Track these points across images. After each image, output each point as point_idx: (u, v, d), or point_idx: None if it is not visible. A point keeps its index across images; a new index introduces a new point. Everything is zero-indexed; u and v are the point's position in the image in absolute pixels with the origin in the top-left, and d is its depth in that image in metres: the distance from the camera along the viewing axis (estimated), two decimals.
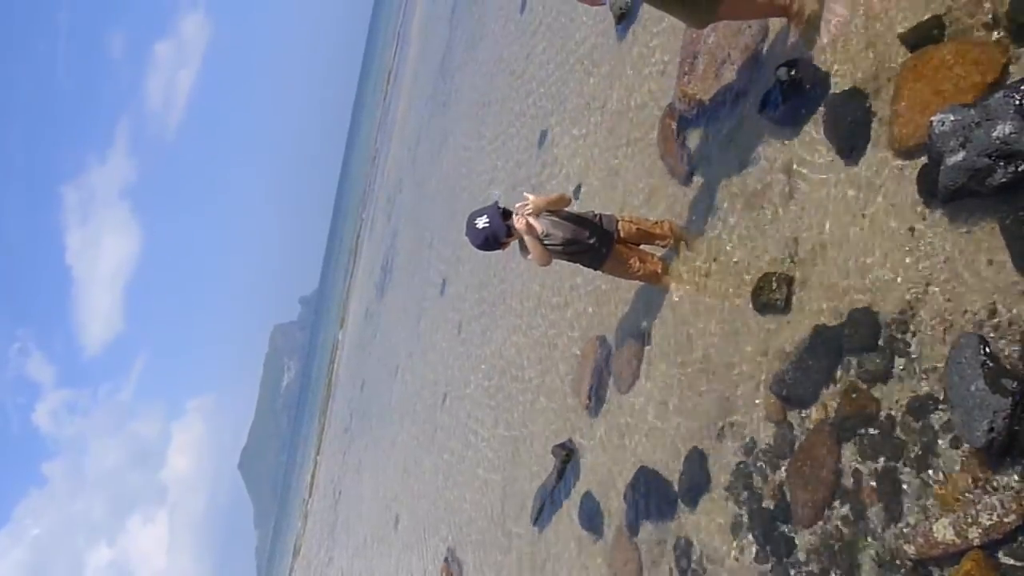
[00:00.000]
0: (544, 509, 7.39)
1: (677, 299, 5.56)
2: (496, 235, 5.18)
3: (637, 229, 5.50)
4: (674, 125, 6.07)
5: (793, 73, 4.54)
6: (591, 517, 6.34)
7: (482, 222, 5.15)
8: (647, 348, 5.96)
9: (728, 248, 5.06)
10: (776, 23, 4.98)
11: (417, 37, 38.57)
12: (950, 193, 3.26)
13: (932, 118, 3.25)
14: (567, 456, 7.03)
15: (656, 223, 5.64)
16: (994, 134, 3.01)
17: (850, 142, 4.08)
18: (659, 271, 5.55)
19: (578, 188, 8.40)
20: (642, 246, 5.67)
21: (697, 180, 5.65)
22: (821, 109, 4.37)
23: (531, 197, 5.13)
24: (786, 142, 4.64)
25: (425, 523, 12.30)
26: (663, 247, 5.68)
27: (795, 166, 4.53)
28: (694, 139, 5.82)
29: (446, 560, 10.25)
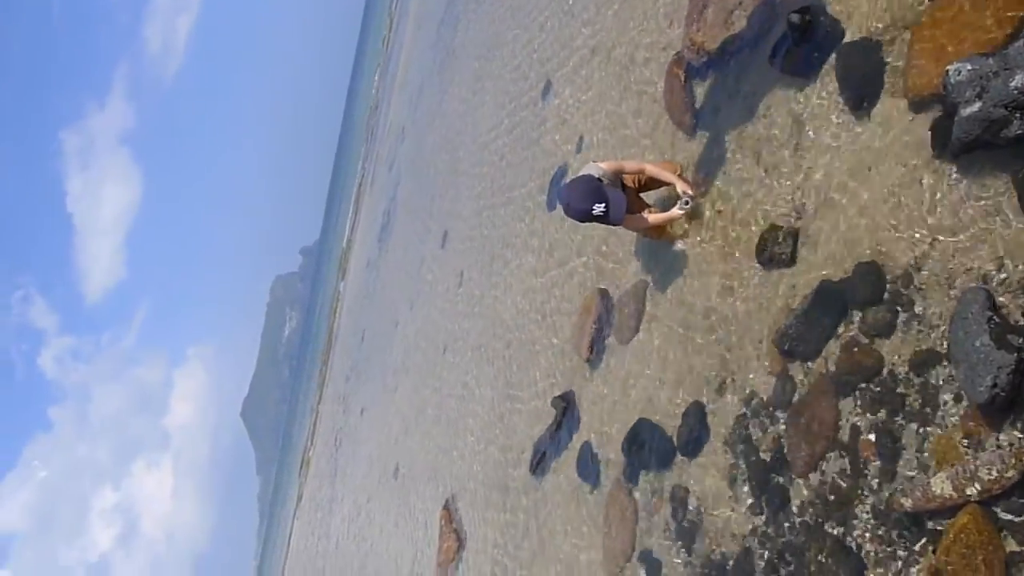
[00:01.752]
0: (543, 459, 7.46)
1: (680, 251, 5.52)
2: (619, 215, 5.04)
3: (647, 178, 5.42)
4: (682, 75, 5.94)
5: (806, 20, 4.42)
6: (589, 467, 6.40)
7: (599, 209, 4.95)
8: (648, 301, 5.94)
9: (734, 200, 5.00)
10: None
11: None
12: (963, 145, 3.19)
13: (948, 67, 3.17)
14: (566, 407, 7.07)
15: (665, 164, 5.56)
16: (1012, 84, 2.93)
17: (862, 92, 3.99)
18: (657, 222, 5.48)
19: (581, 140, 8.29)
20: (649, 194, 5.60)
21: (704, 131, 5.56)
22: (833, 58, 4.26)
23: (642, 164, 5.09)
24: (796, 92, 4.54)
25: (425, 471, 12.46)
26: (672, 193, 5.58)
27: (804, 117, 4.44)
28: (702, 89, 5.70)
29: (446, 507, 10.41)
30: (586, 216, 5.06)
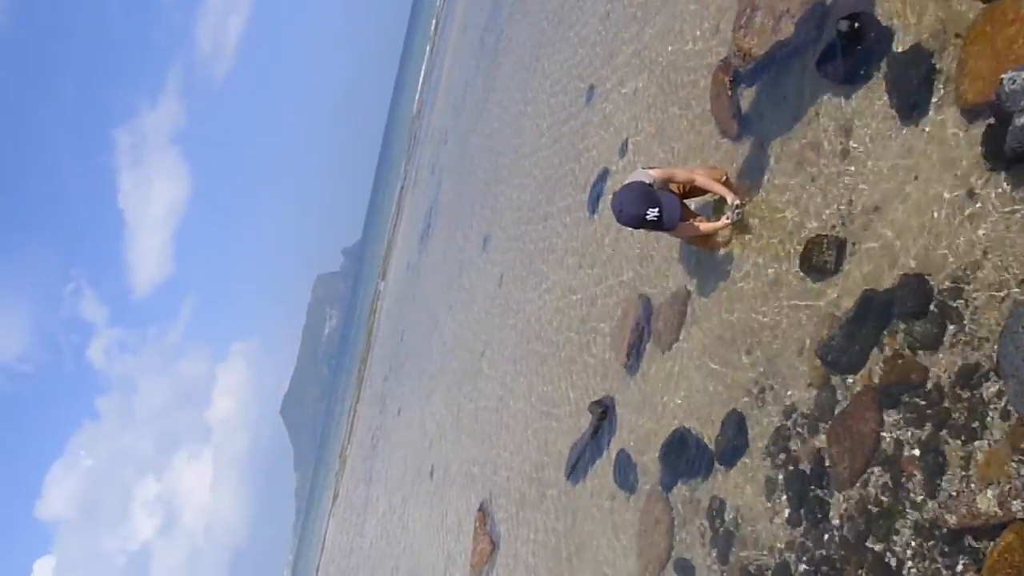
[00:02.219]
0: (578, 464, 7.46)
1: (722, 258, 5.48)
2: (673, 221, 5.05)
3: (691, 186, 5.41)
4: (727, 80, 5.91)
5: (855, 27, 4.37)
6: (625, 474, 6.38)
7: (653, 214, 4.95)
8: (689, 308, 5.91)
9: (778, 208, 4.96)
10: None
11: None
12: (1017, 155, 3.13)
13: (1003, 75, 3.12)
14: (603, 413, 7.05)
15: (711, 170, 5.54)
16: None
17: (912, 101, 3.93)
18: (707, 231, 5.45)
19: (625, 143, 8.28)
20: (692, 200, 5.58)
21: (749, 138, 5.52)
22: (883, 66, 4.21)
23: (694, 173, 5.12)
24: (844, 100, 4.49)
25: (461, 473, 12.53)
26: (714, 199, 5.55)
27: (852, 125, 4.39)
28: (748, 95, 5.66)
29: (480, 509, 10.46)
30: (640, 222, 5.04)
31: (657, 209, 4.93)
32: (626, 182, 5.18)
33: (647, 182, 5.07)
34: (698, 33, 6.88)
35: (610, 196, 5.41)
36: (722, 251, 5.50)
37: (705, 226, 5.38)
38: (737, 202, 5.18)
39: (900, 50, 4.10)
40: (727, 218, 5.22)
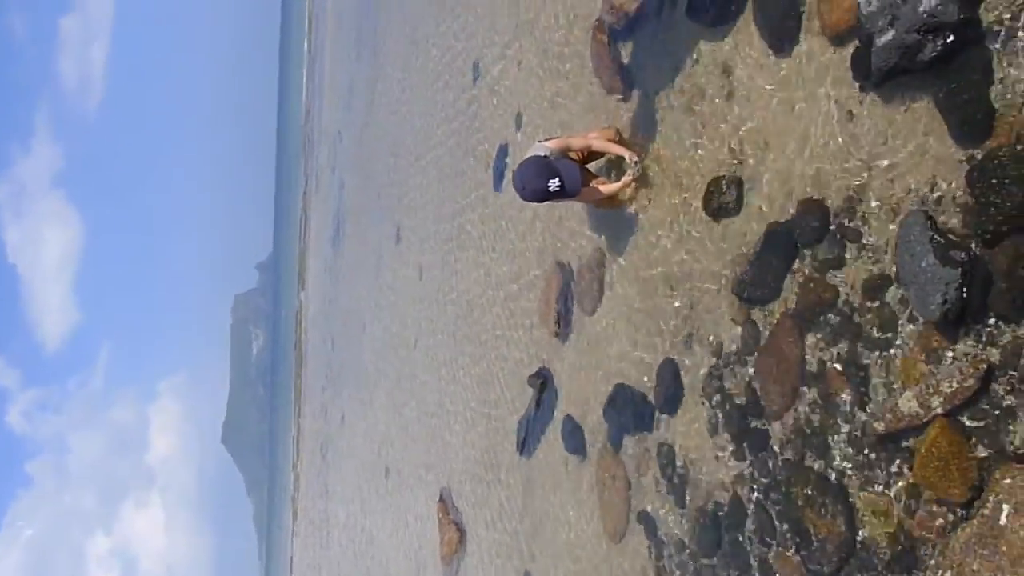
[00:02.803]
0: (528, 437, 7.53)
1: (630, 214, 5.57)
2: (575, 187, 5.06)
3: (589, 151, 5.46)
4: (605, 39, 5.96)
5: None
6: (574, 438, 6.48)
7: (555, 184, 4.96)
8: (607, 268, 6.00)
9: (675, 157, 5.06)
10: None
11: None
12: (883, 74, 3.27)
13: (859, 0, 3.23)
14: (543, 384, 7.13)
15: (604, 131, 5.61)
16: (920, 9, 3.01)
17: (781, 34, 4.05)
18: (611, 191, 5.52)
19: (519, 116, 8.28)
20: (591, 164, 5.64)
21: (636, 93, 5.60)
22: (750, 4, 4.32)
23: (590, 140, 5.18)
24: (719, 42, 4.59)
25: (414, 468, 12.48)
26: (617, 158, 5.61)
27: (730, 65, 4.50)
28: (627, 51, 5.73)
29: (440, 499, 10.46)
30: (543, 195, 5.09)
31: (558, 179, 4.97)
32: (523, 159, 5.19)
33: (543, 154, 5.10)
34: None
35: (512, 171, 5.42)
36: (629, 208, 5.59)
37: (608, 187, 5.45)
38: (635, 159, 5.26)
39: None
40: (628, 175, 5.30)
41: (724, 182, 4.50)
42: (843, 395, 3.65)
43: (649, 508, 5.30)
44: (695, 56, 4.84)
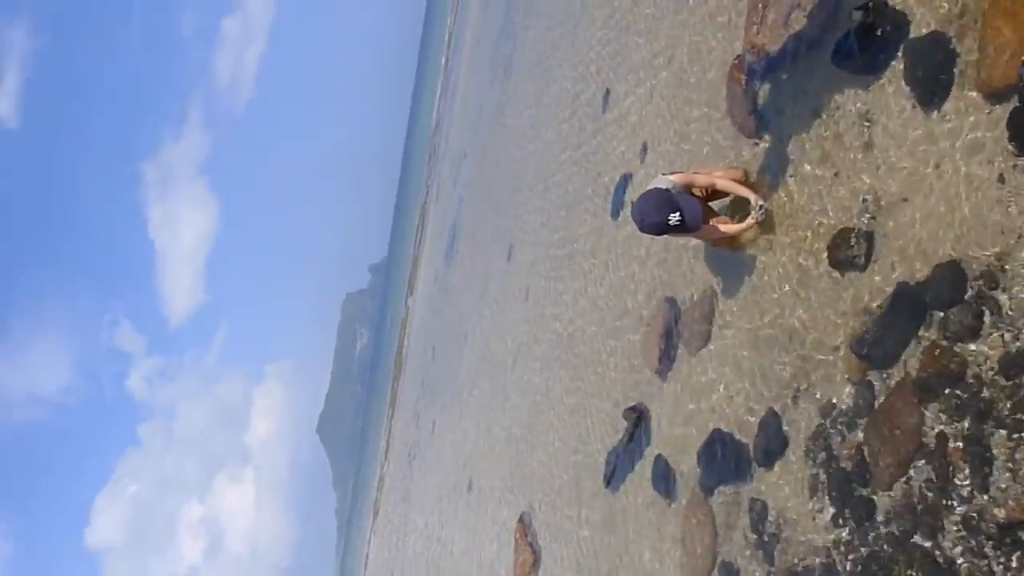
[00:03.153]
0: (616, 471, 7.41)
1: (749, 257, 5.43)
2: (695, 223, 5.04)
3: (712, 189, 5.38)
4: (743, 78, 5.87)
5: (869, 16, 4.32)
6: (664, 479, 6.33)
7: (675, 219, 4.94)
8: (718, 308, 5.86)
9: (803, 204, 4.90)
10: None
11: (477, 1, 38.24)
12: None
13: (1023, 57, 3.05)
14: (638, 419, 7.01)
15: (730, 170, 5.52)
16: None
17: (933, 87, 3.87)
18: (732, 232, 5.41)
19: (644, 147, 8.25)
20: (714, 203, 5.55)
21: (768, 135, 5.47)
22: (900, 54, 4.15)
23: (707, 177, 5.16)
24: (863, 90, 4.43)
25: (499, 485, 12.51)
26: (743, 198, 5.50)
27: (873, 115, 4.33)
28: (764, 92, 5.62)
29: (520, 520, 10.43)
30: (662, 228, 5.03)
31: (679, 213, 4.91)
32: (645, 190, 5.16)
33: (665, 187, 5.05)
34: (710, 31, 6.85)
35: (632, 201, 5.40)
36: (749, 251, 5.45)
37: (729, 227, 5.34)
38: (761, 202, 5.14)
39: (917, 36, 4.04)
40: (752, 218, 5.18)
41: (854, 235, 4.32)
42: (962, 474, 3.40)
43: (734, 561, 5.10)
44: (835, 103, 4.68)
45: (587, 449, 8.47)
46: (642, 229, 5.17)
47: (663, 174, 5.30)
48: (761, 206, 5.13)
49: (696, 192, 5.31)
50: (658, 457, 6.50)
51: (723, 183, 5.30)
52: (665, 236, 5.45)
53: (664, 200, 4.97)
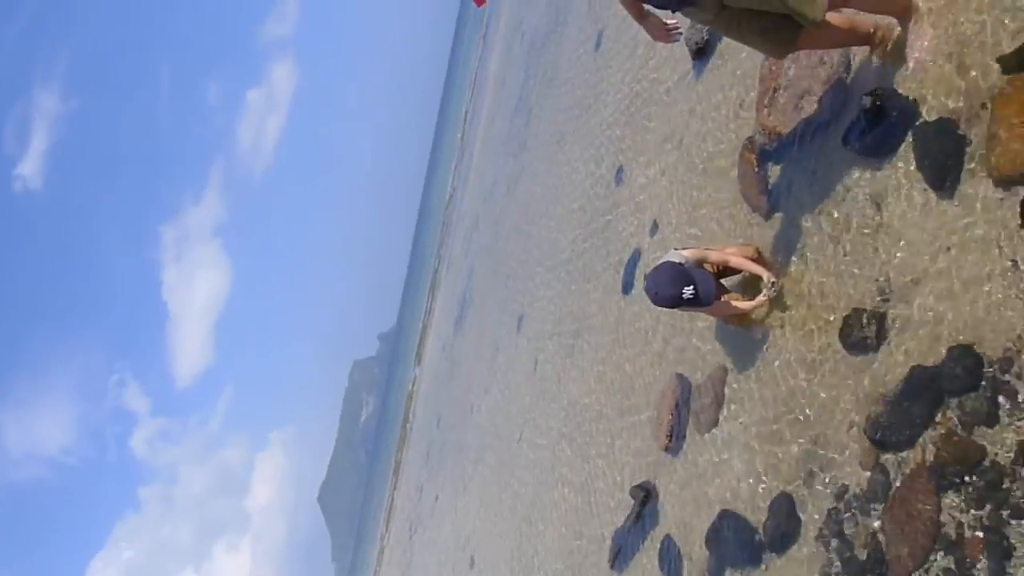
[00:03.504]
0: (623, 552, 7.20)
1: (760, 336, 5.39)
2: (708, 297, 5.03)
3: (724, 266, 5.39)
4: (755, 159, 5.96)
5: (878, 103, 4.40)
6: (671, 562, 6.14)
7: (688, 292, 4.94)
8: (728, 387, 5.79)
9: (813, 284, 4.89)
10: (859, 52, 4.85)
11: (493, 79, 39.41)
12: None
13: None
14: (645, 497, 6.85)
15: (742, 247, 5.54)
16: None
17: (943, 173, 3.90)
18: (744, 309, 5.39)
19: (655, 224, 8.32)
20: (726, 279, 5.55)
21: (780, 215, 5.51)
22: (910, 139, 4.21)
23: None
24: (873, 174, 4.48)
25: (501, 563, 12.16)
26: (752, 276, 5.50)
27: (884, 198, 4.36)
28: (776, 173, 5.69)
29: None
30: (676, 301, 5.03)
31: (692, 287, 4.92)
32: (657, 264, 5.19)
33: (678, 261, 5.07)
34: (723, 114, 6.99)
35: (643, 276, 5.41)
36: (759, 329, 5.42)
37: (741, 304, 5.33)
38: (773, 279, 5.14)
39: (926, 121, 4.10)
40: (764, 295, 5.17)
41: (865, 316, 4.29)
42: (982, 567, 3.28)
43: None
44: (846, 185, 4.73)
45: (593, 527, 8.25)
46: (655, 302, 5.18)
47: (675, 248, 5.33)
48: (773, 283, 5.13)
49: (708, 268, 5.32)
50: (666, 538, 6.32)
51: (735, 260, 5.32)
52: (677, 310, 5.44)
53: (678, 274, 4.98)
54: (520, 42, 28.69)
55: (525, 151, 20.61)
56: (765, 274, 5.18)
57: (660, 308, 5.33)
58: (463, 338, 26.20)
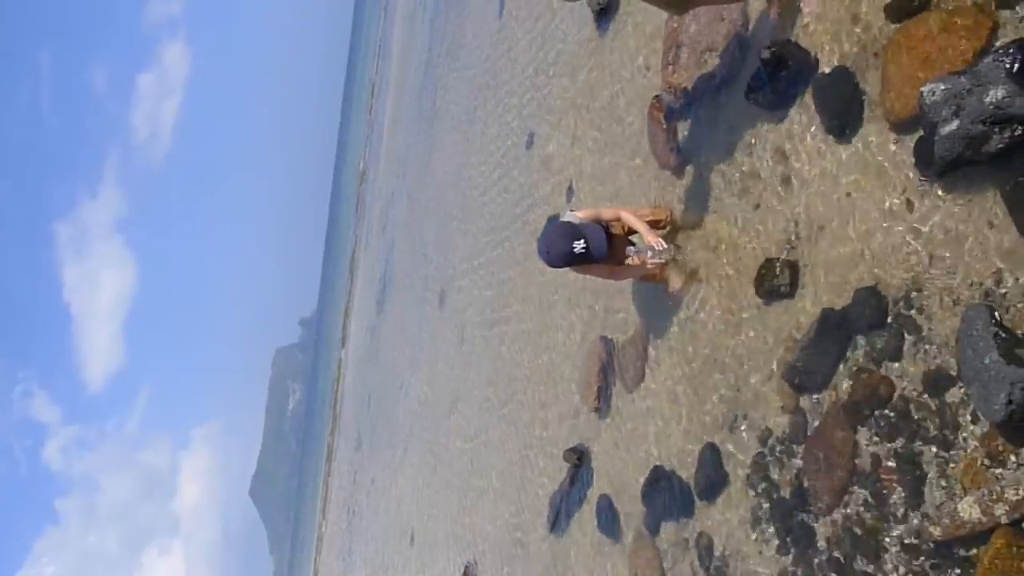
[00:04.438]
0: (560, 515, 7.33)
1: (678, 292, 5.51)
2: (600, 251, 5.06)
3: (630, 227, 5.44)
4: (662, 117, 6.03)
5: (777, 55, 4.50)
6: (608, 520, 6.28)
7: (579, 246, 4.97)
8: (651, 345, 5.91)
9: (726, 236, 5.02)
10: (756, 7, 4.95)
11: (398, 50, 38.63)
12: (947, 163, 3.22)
13: (922, 88, 3.21)
14: (579, 459, 6.97)
15: (653, 210, 5.62)
16: (987, 99, 2.97)
17: (842, 120, 4.04)
18: (639, 272, 5.48)
19: (570, 186, 8.36)
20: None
21: (690, 170, 5.62)
22: (809, 89, 4.33)
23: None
24: (776, 125, 4.60)
25: (441, 536, 12.22)
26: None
27: (787, 149, 4.49)
28: (683, 129, 5.78)
29: (466, 572, 10.18)
30: (568, 257, 5.07)
31: (583, 241, 4.98)
32: (548, 226, 5.24)
33: (570, 220, 5.13)
34: (629, 73, 7.04)
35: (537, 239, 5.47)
36: (676, 285, 5.54)
37: (631, 268, 5.41)
38: (654, 244, 5.14)
39: (824, 72, 4.22)
40: (649, 258, 5.21)
41: (777, 265, 4.43)
42: (897, 495, 3.47)
43: None
44: (751, 137, 4.85)
45: (530, 494, 8.36)
46: (549, 262, 5.22)
47: (570, 211, 5.38)
48: (652, 248, 5.14)
49: (615, 228, 5.36)
50: (602, 497, 6.45)
51: (627, 216, 5.36)
52: (575, 271, 5.50)
53: (568, 230, 5.06)
54: (422, 10, 28.17)
55: (436, 122, 20.36)
56: (649, 238, 5.20)
57: (556, 268, 5.36)
58: (387, 317, 25.93)
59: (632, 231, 5.52)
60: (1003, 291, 3.06)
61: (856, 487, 3.72)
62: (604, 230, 5.21)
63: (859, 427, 3.74)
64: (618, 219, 5.40)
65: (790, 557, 4.12)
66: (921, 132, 3.44)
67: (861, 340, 3.77)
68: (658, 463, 5.59)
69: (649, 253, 5.19)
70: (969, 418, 3.17)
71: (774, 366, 4.40)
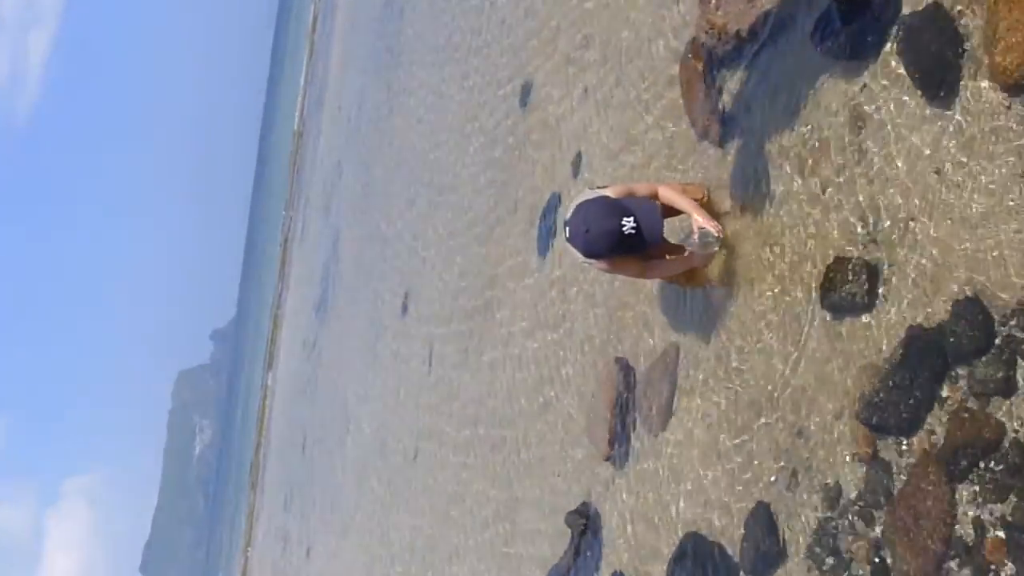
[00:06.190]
0: None
1: (718, 301, 5.57)
2: (653, 237, 5.08)
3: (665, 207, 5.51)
4: (701, 67, 6.10)
5: None
6: None
7: (629, 225, 4.95)
8: (682, 371, 5.97)
9: (784, 229, 5.08)
10: None
11: None
12: None
13: None
14: (585, 525, 7.03)
15: (685, 187, 5.68)
16: None
17: (937, 76, 4.10)
18: (688, 266, 5.54)
19: (578, 158, 8.43)
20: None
21: (735, 139, 5.68)
22: (895, 34, 4.40)
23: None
24: (852, 81, 4.66)
25: None
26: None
27: (866, 112, 4.55)
28: (729, 84, 5.85)
29: None
30: (613, 238, 5.01)
31: (632, 219, 4.97)
32: (577, 203, 5.24)
33: (608, 195, 5.16)
34: (659, 8, 7.10)
35: (565, 222, 5.44)
36: (717, 291, 5.60)
37: (675, 263, 5.47)
38: (706, 228, 5.25)
39: (913, 12, 4.29)
40: (697, 248, 5.33)
41: (851, 267, 4.49)
42: (1006, 573, 3.54)
43: None
44: (818, 97, 4.91)
45: (522, 569, 8.40)
46: (587, 245, 5.15)
47: (591, 188, 5.40)
48: (703, 233, 5.25)
49: None
50: (615, 574, 6.51)
51: (667, 193, 5.39)
52: (605, 267, 5.52)
53: (611, 204, 5.04)
54: None
55: (399, 67, 20.40)
56: (699, 219, 5.28)
57: (591, 261, 5.33)
58: (329, 329, 25.94)
59: (672, 211, 5.54)
60: None
61: (954, 563, 3.77)
62: (659, 209, 5.25)
63: (958, 484, 3.79)
64: (654, 195, 5.43)
65: None
66: None
67: (961, 369, 3.83)
68: (691, 529, 5.65)
69: (697, 240, 5.24)
70: None
71: (845, 402, 4.46)
